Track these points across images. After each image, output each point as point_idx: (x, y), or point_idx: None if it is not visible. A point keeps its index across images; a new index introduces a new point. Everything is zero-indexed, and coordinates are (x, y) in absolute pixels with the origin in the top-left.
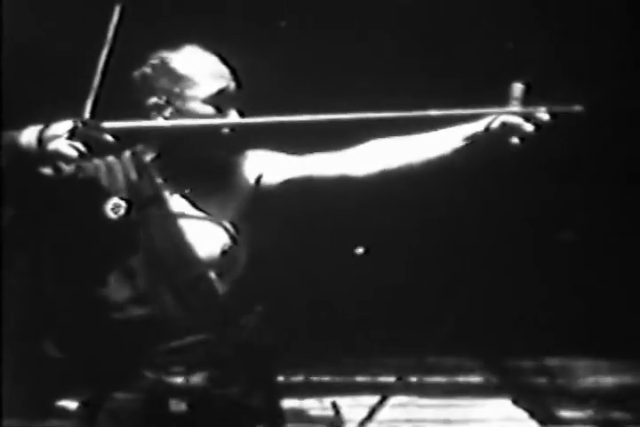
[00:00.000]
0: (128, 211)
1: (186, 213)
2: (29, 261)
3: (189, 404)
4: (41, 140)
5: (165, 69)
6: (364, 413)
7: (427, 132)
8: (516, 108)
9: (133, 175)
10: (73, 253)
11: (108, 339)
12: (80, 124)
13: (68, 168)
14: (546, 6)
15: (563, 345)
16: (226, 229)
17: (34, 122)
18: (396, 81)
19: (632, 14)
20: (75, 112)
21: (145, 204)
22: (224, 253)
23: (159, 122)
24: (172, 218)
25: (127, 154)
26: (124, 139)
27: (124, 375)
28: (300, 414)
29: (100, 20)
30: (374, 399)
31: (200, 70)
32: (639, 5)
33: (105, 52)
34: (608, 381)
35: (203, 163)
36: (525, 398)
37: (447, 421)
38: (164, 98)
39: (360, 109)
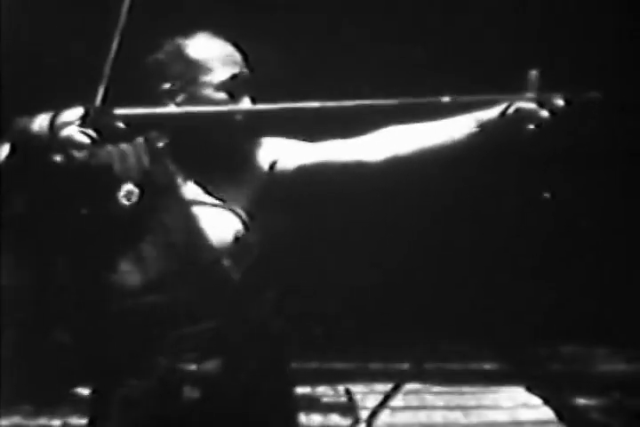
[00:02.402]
0: (141, 198)
1: (199, 199)
2: (40, 250)
3: (202, 391)
4: (52, 127)
5: (178, 56)
6: (377, 400)
7: (442, 118)
8: (531, 94)
9: (146, 162)
10: (85, 240)
11: (121, 326)
12: (91, 111)
13: (79, 155)
14: None
15: (577, 333)
16: (239, 216)
17: (45, 109)
18: (411, 68)
19: None
20: (86, 99)
21: (158, 190)
22: (237, 239)
23: (172, 108)
24: (184, 205)
25: (140, 140)
26: (137, 125)
27: (137, 362)
28: (313, 402)
29: (112, 6)
30: (388, 386)
31: (213, 57)
32: None
33: (117, 38)
34: (622, 368)
35: (216, 149)
36: (539, 386)
37: (460, 408)
38: (177, 84)
39: (374, 96)
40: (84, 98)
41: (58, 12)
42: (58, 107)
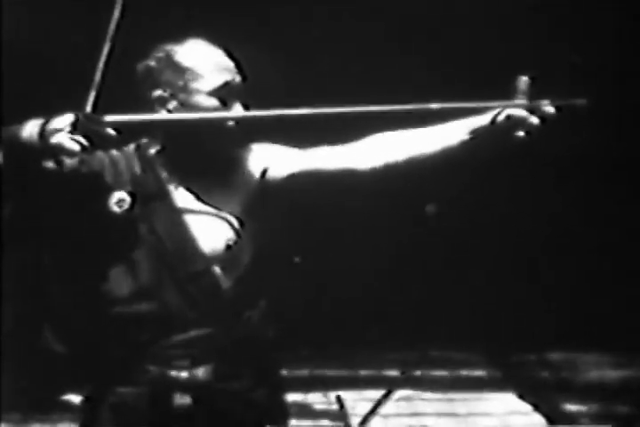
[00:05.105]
0: (132, 205)
1: (190, 207)
2: (32, 256)
3: (193, 398)
4: (42, 134)
5: (169, 62)
6: (368, 407)
7: (432, 125)
8: (521, 101)
9: (137, 169)
10: (76, 247)
11: (112, 333)
12: (82, 118)
13: (70, 162)
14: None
15: (566, 339)
16: (230, 224)
17: (35, 116)
18: (401, 74)
19: (636, 7)
20: (76, 106)
21: (149, 198)
22: (228, 247)
23: (163, 115)
24: (176, 212)
25: (131, 147)
26: (128, 132)
27: (128, 370)
28: (304, 409)
29: (102, 13)
30: (379, 393)
31: (204, 63)
32: None
33: (107, 45)
34: (612, 375)
35: (207, 156)
36: (529, 392)
37: (451, 414)
38: (168, 91)
39: (365, 102)
40: (82, 97)
41: (57, 15)
42: (56, 110)
